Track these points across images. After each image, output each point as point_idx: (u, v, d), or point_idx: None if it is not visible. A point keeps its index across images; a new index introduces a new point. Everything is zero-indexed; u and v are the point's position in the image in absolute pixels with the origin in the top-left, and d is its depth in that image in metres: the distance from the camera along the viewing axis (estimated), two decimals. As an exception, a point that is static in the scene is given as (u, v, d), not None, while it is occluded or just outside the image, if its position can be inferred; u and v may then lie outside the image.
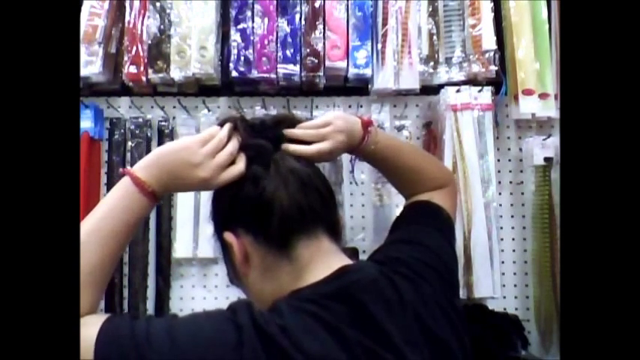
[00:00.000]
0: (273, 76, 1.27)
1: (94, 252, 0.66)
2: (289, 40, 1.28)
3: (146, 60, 1.27)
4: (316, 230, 0.69)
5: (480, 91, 1.28)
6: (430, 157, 1.00)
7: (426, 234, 0.80)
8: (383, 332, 0.61)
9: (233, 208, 0.70)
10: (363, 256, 1.20)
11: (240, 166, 0.70)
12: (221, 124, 0.73)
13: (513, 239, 1.36)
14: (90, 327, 0.59)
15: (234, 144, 0.72)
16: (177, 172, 0.70)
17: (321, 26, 1.29)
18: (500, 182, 1.34)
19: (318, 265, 0.67)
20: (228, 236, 0.69)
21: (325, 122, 0.78)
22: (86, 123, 1.26)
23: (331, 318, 0.60)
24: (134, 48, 1.27)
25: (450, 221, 0.86)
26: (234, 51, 1.27)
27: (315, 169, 0.74)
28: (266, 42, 1.27)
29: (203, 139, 0.71)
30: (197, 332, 0.59)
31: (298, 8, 1.29)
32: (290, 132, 0.75)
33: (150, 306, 1.30)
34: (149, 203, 0.69)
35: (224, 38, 1.31)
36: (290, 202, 0.67)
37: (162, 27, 1.29)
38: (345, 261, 0.69)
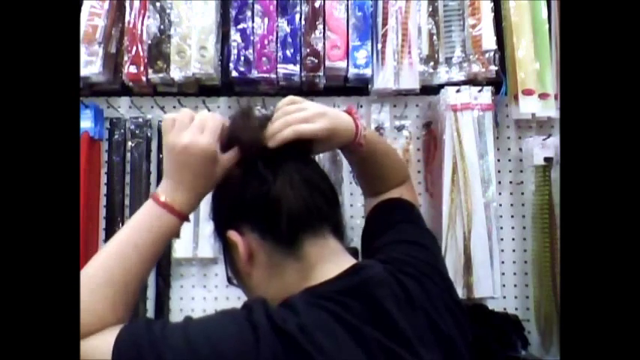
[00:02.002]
0: (273, 76, 1.27)
1: (124, 266, 0.66)
2: (289, 40, 1.28)
3: (146, 60, 1.27)
4: (323, 229, 0.69)
5: (480, 91, 1.27)
6: (394, 150, 0.99)
7: (418, 233, 0.80)
8: (399, 330, 0.61)
9: (238, 206, 0.69)
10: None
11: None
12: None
13: (513, 239, 1.36)
14: (108, 335, 0.59)
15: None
16: (173, 155, 0.68)
17: (321, 26, 1.29)
18: (500, 182, 1.34)
19: (327, 264, 0.66)
20: (233, 235, 0.68)
21: (300, 107, 0.73)
22: (86, 123, 1.26)
23: (349, 316, 0.60)
24: (134, 48, 1.27)
25: (422, 217, 0.87)
26: (234, 51, 1.27)
27: (317, 169, 0.74)
28: (266, 42, 1.27)
29: (172, 119, 0.70)
30: (212, 332, 0.58)
31: (298, 8, 1.29)
32: (272, 129, 0.70)
33: (150, 306, 1.30)
34: (174, 219, 0.69)
35: (224, 38, 1.31)
36: (297, 200, 0.66)
37: (162, 27, 1.29)
38: (352, 260, 0.69)
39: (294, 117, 0.71)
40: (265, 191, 0.67)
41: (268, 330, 0.57)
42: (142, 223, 0.68)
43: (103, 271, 0.65)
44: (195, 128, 0.68)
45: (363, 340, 0.59)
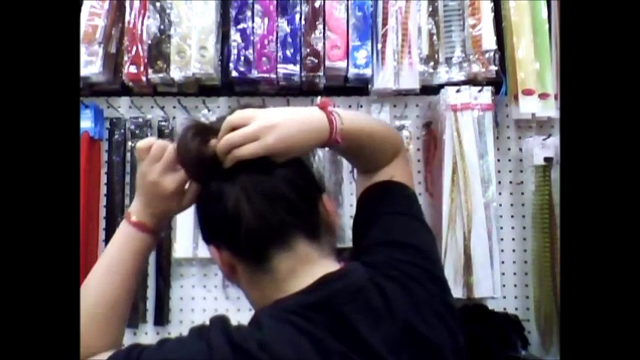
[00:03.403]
0: (273, 76, 1.27)
1: (106, 292, 0.71)
2: (289, 40, 1.28)
3: (146, 60, 1.27)
4: (290, 240, 0.66)
5: (480, 91, 1.28)
6: (383, 123, 0.94)
7: (409, 230, 0.76)
8: (366, 344, 0.60)
9: (207, 224, 0.70)
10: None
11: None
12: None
13: (513, 239, 1.36)
14: None
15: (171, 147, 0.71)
16: (140, 188, 0.73)
17: (321, 26, 1.29)
18: (500, 182, 1.34)
19: (299, 275, 0.65)
20: (212, 250, 0.69)
21: (245, 119, 0.67)
22: (86, 123, 1.27)
23: (313, 329, 0.60)
24: (134, 48, 1.27)
25: (415, 197, 0.81)
26: (234, 51, 1.27)
27: (282, 175, 0.67)
28: (266, 42, 1.27)
29: (146, 147, 0.72)
30: (173, 354, 0.60)
31: (298, 8, 1.29)
32: (220, 146, 0.66)
33: (150, 306, 1.31)
34: (145, 236, 0.73)
35: (224, 38, 1.32)
36: (255, 215, 0.64)
37: (162, 27, 1.29)
38: (329, 268, 0.66)
39: (236, 135, 0.65)
40: (222, 210, 0.65)
41: (225, 349, 0.58)
42: (119, 244, 0.73)
43: (91, 296, 0.69)
44: (161, 167, 0.70)
45: (326, 353, 0.59)
